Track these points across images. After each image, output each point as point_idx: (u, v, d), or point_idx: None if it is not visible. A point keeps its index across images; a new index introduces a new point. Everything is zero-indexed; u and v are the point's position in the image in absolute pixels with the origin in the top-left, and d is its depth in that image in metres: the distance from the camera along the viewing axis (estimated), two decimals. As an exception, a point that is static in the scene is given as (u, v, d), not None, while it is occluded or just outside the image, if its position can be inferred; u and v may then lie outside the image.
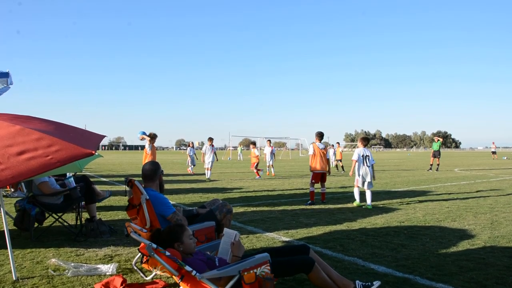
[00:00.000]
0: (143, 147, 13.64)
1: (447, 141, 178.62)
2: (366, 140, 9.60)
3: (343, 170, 22.21)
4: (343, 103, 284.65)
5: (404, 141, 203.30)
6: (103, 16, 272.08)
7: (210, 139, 17.33)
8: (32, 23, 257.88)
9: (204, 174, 17.47)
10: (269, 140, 21.86)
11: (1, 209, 3.81)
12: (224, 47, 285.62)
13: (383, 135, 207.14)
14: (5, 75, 7.28)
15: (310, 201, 9.36)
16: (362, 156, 9.12)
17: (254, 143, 21.02)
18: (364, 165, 9.08)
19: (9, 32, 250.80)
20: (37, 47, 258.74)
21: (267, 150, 20.84)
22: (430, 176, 18.15)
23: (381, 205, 9.03)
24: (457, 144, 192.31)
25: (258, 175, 17.82)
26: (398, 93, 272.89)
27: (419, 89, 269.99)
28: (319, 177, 9.78)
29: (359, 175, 9.12)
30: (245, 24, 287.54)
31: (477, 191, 11.79)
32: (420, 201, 9.67)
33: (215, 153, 17.50)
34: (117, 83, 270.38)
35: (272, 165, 20.08)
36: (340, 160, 23.19)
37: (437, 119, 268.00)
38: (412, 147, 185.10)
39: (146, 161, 11.37)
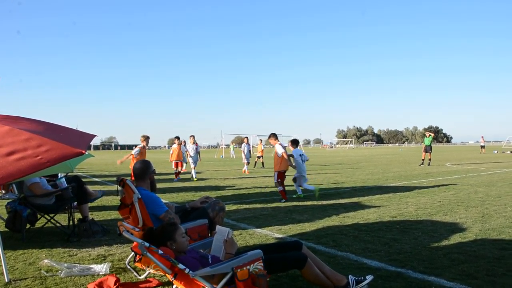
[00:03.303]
0: (134, 147, 13.59)
1: (439, 136, 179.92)
2: (296, 142, 10.64)
3: (263, 166, 23.43)
4: (334, 99, 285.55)
5: (396, 137, 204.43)
6: (89, 12, 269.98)
7: (192, 137, 16.52)
8: (26, 21, 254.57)
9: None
10: (247, 137, 21.91)
11: (-8, 210, 3.78)
12: (214, 43, 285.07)
13: (375, 131, 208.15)
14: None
15: (284, 200, 9.48)
16: (300, 155, 10.21)
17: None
18: (303, 162, 10.23)
19: (7, 31, 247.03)
20: (26, 44, 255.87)
21: (245, 147, 20.64)
22: (422, 170, 18.27)
23: (373, 200, 9.08)
24: (448, 139, 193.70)
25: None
26: (389, 88, 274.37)
27: (410, 84, 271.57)
28: (283, 175, 9.93)
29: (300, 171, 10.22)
30: (236, 19, 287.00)
31: (468, 185, 11.90)
32: (412, 196, 9.74)
33: (198, 152, 16.85)
34: (108, 81, 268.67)
35: (247, 163, 20.00)
36: (262, 157, 24.16)
37: (428, 114, 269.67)
38: (404, 142, 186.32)
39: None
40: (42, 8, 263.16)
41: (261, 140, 26.67)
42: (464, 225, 6.35)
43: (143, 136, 12.82)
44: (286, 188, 9.73)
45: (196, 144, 16.57)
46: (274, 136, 10.06)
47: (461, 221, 6.65)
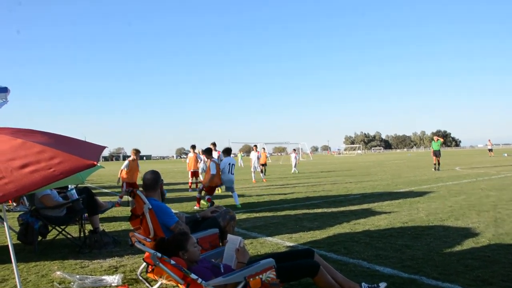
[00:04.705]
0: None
1: (447, 140, 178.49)
2: (229, 151, 10.97)
3: (264, 173, 22.44)
4: (341, 106, 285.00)
5: (404, 142, 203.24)
6: (98, 21, 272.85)
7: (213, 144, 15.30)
8: (29, 27, 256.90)
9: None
10: (256, 146, 21.92)
11: (5, 223, 3.82)
12: (220, 51, 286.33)
13: (383, 136, 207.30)
14: (4, 90, 7.32)
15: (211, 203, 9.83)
16: (229, 164, 10.36)
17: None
18: (229, 173, 10.31)
19: (8, 35, 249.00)
20: (32, 54, 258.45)
21: (253, 155, 20.51)
22: (431, 175, 18.13)
23: (384, 207, 9.02)
24: (457, 143, 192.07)
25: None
26: (396, 93, 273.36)
27: (417, 89, 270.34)
28: (213, 189, 10.30)
29: (223, 181, 10.31)
30: (244, 26, 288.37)
31: (479, 189, 11.78)
32: (423, 201, 9.67)
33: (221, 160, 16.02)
34: (115, 92, 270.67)
35: (260, 171, 19.89)
36: (265, 165, 23.28)
37: (436, 119, 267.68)
38: (412, 147, 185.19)
39: (126, 174, 11.42)
40: (50, 14, 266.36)
41: (264, 148, 26.87)
42: (477, 230, 6.28)
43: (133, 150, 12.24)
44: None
45: (219, 152, 15.46)
46: (225, 151, 10.69)
47: (474, 226, 6.58)
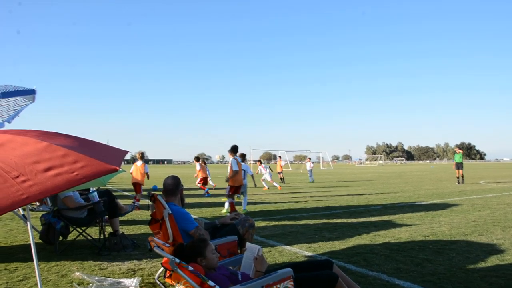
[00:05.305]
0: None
1: (471, 152, 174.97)
2: (244, 156, 11.13)
3: (283, 182, 24.22)
4: (364, 115, 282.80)
5: (426, 153, 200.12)
6: (120, 26, 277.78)
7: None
8: (40, 26, 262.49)
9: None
10: (260, 161, 22.67)
11: (28, 223, 3.90)
12: (244, 57, 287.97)
13: (405, 147, 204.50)
14: (32, 91, 7.48)
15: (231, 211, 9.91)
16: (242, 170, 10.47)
17: (197, 158, 17.15)
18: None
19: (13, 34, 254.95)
20: (57, 53, 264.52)
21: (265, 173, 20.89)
22: (454, 188, 17.74)
23: (405, 219, 8.86)
24: (481, 156, 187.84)
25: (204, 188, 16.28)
26: (420, 104, 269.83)
27: (442, 100, 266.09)
28: (237, 189, 10.19)
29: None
30: (265, 33, 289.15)
31: (505, 204, 11.46)
32: (445, 215, 9.46)
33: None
34: (137, 96, 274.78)
35: (272, 180, 20.22)
36: (281, 172, 25.14)
37: (460, 130, 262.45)
38: (435, 159, 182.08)
39: (139, 176, 11.83)
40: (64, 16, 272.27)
41: (280, 156, 27.40)
42: (502, 246, 6.10)
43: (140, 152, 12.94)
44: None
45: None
46: (235, 151, 10.37)
47: (498, 242, 6.40)
